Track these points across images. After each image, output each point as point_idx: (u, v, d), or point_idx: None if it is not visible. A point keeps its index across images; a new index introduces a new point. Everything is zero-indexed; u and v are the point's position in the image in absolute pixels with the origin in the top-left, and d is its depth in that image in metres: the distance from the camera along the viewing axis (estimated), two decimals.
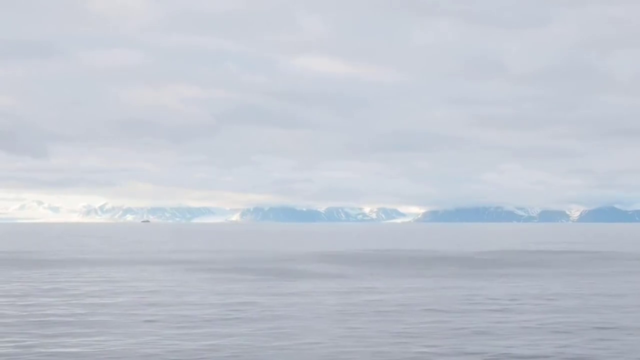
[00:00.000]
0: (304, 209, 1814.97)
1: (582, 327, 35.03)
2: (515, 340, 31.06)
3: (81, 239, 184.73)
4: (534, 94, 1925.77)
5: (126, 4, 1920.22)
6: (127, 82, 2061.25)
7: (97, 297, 46.15)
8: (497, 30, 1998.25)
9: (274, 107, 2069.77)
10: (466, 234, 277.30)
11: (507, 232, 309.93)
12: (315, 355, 27.99)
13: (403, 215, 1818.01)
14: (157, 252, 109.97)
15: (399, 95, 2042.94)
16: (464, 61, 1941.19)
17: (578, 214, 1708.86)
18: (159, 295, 48.07)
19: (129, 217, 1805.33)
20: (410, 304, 43.49)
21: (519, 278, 62.61)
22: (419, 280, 59.62)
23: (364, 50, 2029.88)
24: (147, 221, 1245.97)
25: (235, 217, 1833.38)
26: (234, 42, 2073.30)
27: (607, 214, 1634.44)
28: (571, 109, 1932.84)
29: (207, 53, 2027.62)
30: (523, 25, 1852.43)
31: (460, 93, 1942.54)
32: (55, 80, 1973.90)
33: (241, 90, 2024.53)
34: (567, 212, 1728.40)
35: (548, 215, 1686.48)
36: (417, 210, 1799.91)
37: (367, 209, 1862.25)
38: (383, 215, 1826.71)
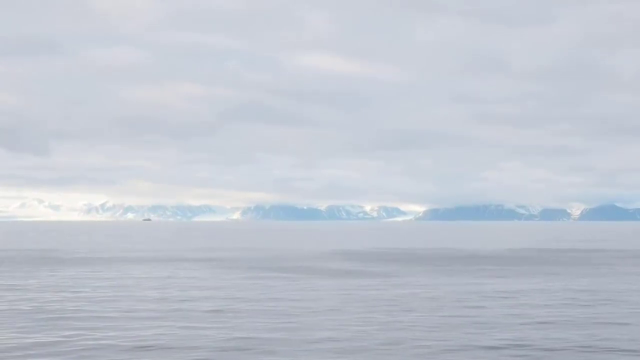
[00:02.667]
0: (305, 207, 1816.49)
1: None
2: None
3: (95, 237, 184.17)
4: (536, 92, 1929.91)
5: (129, 2, 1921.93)
6: (130, 80, 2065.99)
7: (155, 291, 45.57)
8: (500, 28, 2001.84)
9: (277, 105, 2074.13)
10: (474, 232, 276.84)
11: (515, 231, 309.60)
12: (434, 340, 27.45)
13: (404, 213, 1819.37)
14: (179, 250, 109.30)
15: (402, 93, 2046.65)
16: (467, 59, 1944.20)
17: (579, 212, 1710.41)
18: (219, 290, 47.77)
19: (130, 216, 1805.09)
20: (486, 298, 43.38)
21: (574, 276, 62.03)
22: (471, 278, 58.71)
23: (366, 49, 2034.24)
24: (149, 219, 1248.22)
25: (236, 216, 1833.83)
26: (237, 40, 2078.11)
27: (607, 212, 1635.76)
28: (573, 107, 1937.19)
29: (210, 51, 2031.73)
30: (526, 23, 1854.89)
31: (462, 91, 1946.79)
32: (58, 78, 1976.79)
33: (244, 88, 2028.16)
34: (568, 211, 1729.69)
35: (549, 214, 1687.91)
36: (418, 208, 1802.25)
37: (367, 207, 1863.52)
38: (384, 214, 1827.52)
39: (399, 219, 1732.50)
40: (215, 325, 33.63)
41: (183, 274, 62.18)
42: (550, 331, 32.44)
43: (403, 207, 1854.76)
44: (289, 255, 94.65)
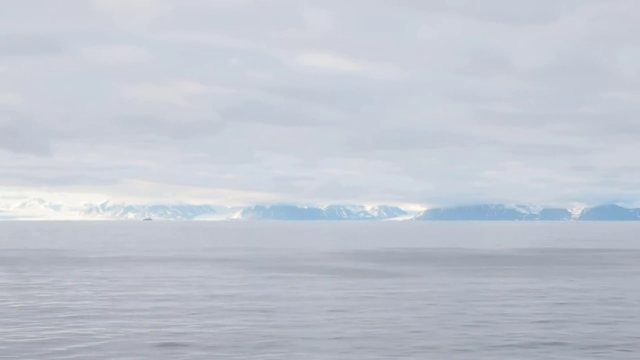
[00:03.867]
0: (305, 207, 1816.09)
1: None
2: None
3: (103, 237, 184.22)
4: (538, 91, 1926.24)
5: (131, 0, 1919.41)
6: (131, 79, 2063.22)
7: (195, 289, 45.99)
8: (502, 26, 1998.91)
9: (279, 104, 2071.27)
10: (478, 231, 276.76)
11: (518, 230, 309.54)
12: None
13: (404, 213, 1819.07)
14: (191, 250, 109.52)
15: (403, 92, 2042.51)
16: (468, 58, 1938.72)
17: (579, 212, 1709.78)
18: (247, 289, 47.97)
19: (131, 215, 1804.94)
20: (520, 297, 43.81)
21: (596, 275, 62.55)
22: (492, 277, 58.92)
23: (368, 47, 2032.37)
24: (149, 219, 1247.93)
25: (237, 215, 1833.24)
26: (239, 39, 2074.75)
27: (608, 211, 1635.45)
28: (575, 105, 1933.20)
29: (212, 50, 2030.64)
30: (529, 21, 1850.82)
31: (464, 89, 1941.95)
32: (58, 77, 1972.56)
33: (246, 87, 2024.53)
34: (569, 210, 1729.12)
35: (549, 213, 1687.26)
36: (419, 208, 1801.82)
37: (368, 207, 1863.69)
38: (384, 214, 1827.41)
39: (400, 218, 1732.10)
40: (259, 323, 34.05)
41: (204, 274, 62.39)
42: (605, 327, 33.13)
43: (403, 206, 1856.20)
44: (301, 255, 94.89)
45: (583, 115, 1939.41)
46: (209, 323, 34.01)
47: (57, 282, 54.63)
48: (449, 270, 68.08)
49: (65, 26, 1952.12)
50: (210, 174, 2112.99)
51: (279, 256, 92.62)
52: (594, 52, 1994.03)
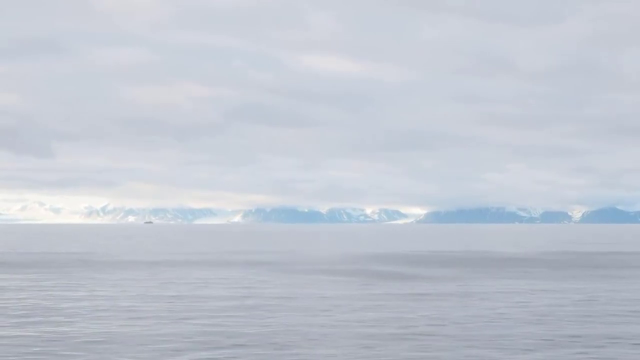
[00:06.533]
0: (306, 210, 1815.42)
1: None
2: None
3: (115, 240, 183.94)
4: (541, 92, 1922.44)
5: (132, 1, 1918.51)
6: (132, 80, 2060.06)
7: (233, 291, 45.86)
8: (504, 27, 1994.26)
9: (281, 105, 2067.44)
10: (487, 234, 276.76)
11: (527, 233, 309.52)
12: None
13: (405, 216, 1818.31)
14: (216, 253, 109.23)
15: (406, 93, 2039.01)
16: (470, 58, 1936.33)
17: (580, 214, 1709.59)
18: (297, 289, 47.56)
19: (131, 219, 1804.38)
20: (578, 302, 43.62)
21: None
22: (536, 280, 58.83)
23: (369, 48, 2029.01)
24: (150, 222, 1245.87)
25: (237, 218, 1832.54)
26: (241, 40, 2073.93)
27: (609, 214, 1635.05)
28: (577, 107, 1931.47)
29: (214, 51, 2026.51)
30: (532, 22, 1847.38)
31: (465, 90, 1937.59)
32: (59, 77, 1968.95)
33: (247, 88, 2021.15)
34: (569, 213, 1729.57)
35: (550, 216, 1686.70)
36: (419, 211, 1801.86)
37: (368, 210, 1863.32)
38: (385, 217, 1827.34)
39: (400, 221, 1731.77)
40: (333, 321, 34.04)
41: (246, 276, 62.26)
42: None
43: (404, 209, 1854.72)
44: (327, 259, 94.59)
45: (585, 117, 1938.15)
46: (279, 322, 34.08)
47: (103, 284, 54.49)
48: (490, 273, 67.87)
49: (66, 27, 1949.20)
50: (211, 175, 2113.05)
51: (307, 259, 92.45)
52: (597, 53, 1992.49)
